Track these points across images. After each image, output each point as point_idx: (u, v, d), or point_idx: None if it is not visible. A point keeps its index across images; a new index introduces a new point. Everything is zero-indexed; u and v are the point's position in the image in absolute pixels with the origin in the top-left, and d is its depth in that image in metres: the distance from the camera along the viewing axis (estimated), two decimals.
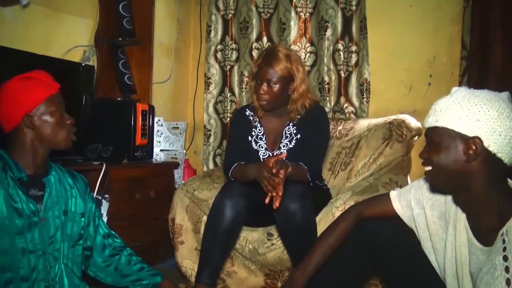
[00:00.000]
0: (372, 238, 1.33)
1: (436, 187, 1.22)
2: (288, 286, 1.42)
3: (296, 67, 1.90)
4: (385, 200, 1.39)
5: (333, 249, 1.40)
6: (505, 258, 1.00)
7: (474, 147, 1.05)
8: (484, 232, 1.09)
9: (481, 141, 1.04)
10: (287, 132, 1.97)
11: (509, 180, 1.12)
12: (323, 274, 1.41)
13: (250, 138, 2.02)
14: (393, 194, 1.38)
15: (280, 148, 1.96)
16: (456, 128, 1.07)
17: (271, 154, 1.97)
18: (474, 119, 1.05)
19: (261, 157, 1.97)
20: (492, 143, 1.04)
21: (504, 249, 1.01)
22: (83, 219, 1.39)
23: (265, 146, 1.99)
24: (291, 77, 1.89)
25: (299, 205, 1.68)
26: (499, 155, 1.04)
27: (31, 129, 1.28)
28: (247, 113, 2.06)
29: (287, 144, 1.96)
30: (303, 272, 1.40)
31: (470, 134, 1.05)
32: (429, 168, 1.15)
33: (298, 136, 1.95)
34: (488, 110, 1.04)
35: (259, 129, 2.02)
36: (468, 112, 1.05)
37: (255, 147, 2.00)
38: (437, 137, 1.11)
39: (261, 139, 2.01)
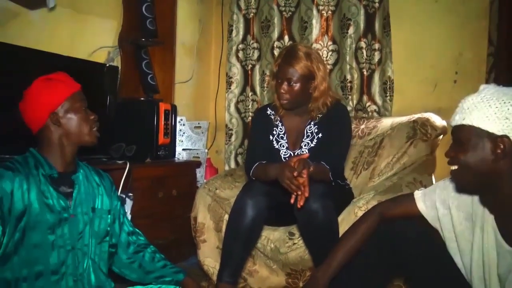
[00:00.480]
0: (396, 239, 1.31)
1: (462, 188, 1.19)
2: (309, 286, 1.42)
3: (317, 66, 1.88)
4: (409, 200, 1.37)
5: (356, 250, 1.38)
6: None
7: (502, 146, 1.02)
8: None
9: (510, 140, 1.02)
10: (309, 131, 1.96)
11: None
12: (346, 274, 1.39)
13: (271, 137, 2.01)
14: (418, 194, 1.35)
15: (301, 147, 1.95)
16: (484, 127, 1.04)
17: (292, 154, 1.96)
18: (502, 118, 1.02)
19: (282, 156, 1.97)
20: None
21: None
22: (109, 216, 1.42)
23: (287, 145, 1.98)
24: (311, 76, 1.88)
25: (320, 205, 1.67)
26: None
27: (58, 126, 1.31)
28: (268, 112, 2.05)
29: (308, 143, 1.94)
30: (325, 273, 1.39)
31: (498, 132, 1.03)
32: (455, 167, 1.12)
33: (320, 135, 1.94)
34: None
35: (280, 128, 2.01)
36: (496, 110, 1.03)
37: (277, 146, 1.99)
38: (463, 136, 1.09)
39: (282, 138, 2.00)
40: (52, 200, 1.26)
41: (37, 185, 1.24)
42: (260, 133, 2.03)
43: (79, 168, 1.39)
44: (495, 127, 1.03)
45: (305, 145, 1.95)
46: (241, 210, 1.77)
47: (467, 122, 1.07)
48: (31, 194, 1.23)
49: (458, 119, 1.10)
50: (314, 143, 1.94)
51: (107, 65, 2.41)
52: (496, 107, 1.03)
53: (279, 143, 2.00)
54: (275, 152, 1.98)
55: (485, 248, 1.13)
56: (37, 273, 1.23)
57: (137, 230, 1.55)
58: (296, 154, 1.94)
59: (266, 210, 1.79)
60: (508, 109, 1.02)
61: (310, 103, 1.93)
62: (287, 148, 1.98)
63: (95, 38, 2.47)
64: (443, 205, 1.27)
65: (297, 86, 1.86)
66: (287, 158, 1.91)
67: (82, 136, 1.35)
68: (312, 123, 1.96)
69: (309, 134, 1.96)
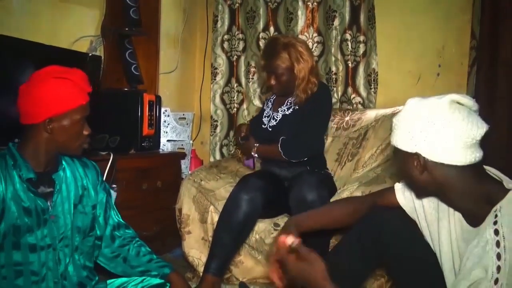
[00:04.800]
0: (378, 229, 1.33)
1: (417, 196, 1.26)
2: (287, 223, 1.45)
3: (295, 57, 1.97)
4: (391, 192, 1.39)
5: (335, 220, 1.42)
6: (496, 232, 1.01)
7: (418, 161, 1.08)
8: (478, 218, 1.09)
9: (421, 156, 1.07)
10: (289, 102, 2.08)
11: (487, 168, 1.12)
12: (329, 264, 1.41)
13: (266, 101, 2.24)
14: (398, 186, 1.38)
15: (278, 111, 2.08)
16: (400, 147, 1.11)
17: (271, 114, 2.11)
18: (409, 137, 1.08)
19: (264, 114, 2.15)
20: (432, 155, 1.06)
21: (495, 222, 1.02)
22: (93, 211, 1.39)
23: (270, 106, 2.16)
24: (293, 67, 1.97)
25: (316, 195, 1.72)
26: (447, 162, 1.05)
27: (48, 133, 1.24)
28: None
29: (284, 110, 2.07)
30: (299, 223, 1.41)
31: (411, 151, 1.08)
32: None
33: (296, 107, 2.03)
34: (419, 124, 1.06)
35: (272, 96, 2.20)
36: (404, 131, 1.10)
37: (264, 107, 2.19)
38: (394, 154, 1.18)
39: (270, 101, 2.19)
40: (30, 203, 1.21)
41: (14, 188, 1.19)
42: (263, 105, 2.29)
43: (61, 165, 1.33)
44: (407, 147, 1.09)
45: (282, 111, 2.08)
46: (236, 205, 1.81)
47: (392, 142, 1.15)
48: (8, 196, 1.18)
49: (391, 139, 1.17)
50: (289, 112, 2.05)
51: (90, 54, 2.37)
52: (405, 128, 1.09)
53: (267, 105, 2.19)
54: (262, 112, 2.18)
55: (453, 240, 1.16)
56: (18, 271, 1.20)
57: (124, 223, 1.52)
58: (273, 115, 2.09)
59: (261, 207, 1.83)
60: (412, 125, 1.08)
61: (295, 89, 2.02)
62: (270, 109, 2.15)
63: (77, 27, 2.42)
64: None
65: (283, 77, 1.98)
66: (266, 116, 2.12)
67: (68, 148, 1.29)
68: (295, 95, 2.06)
69: (288, 104, 2.07)
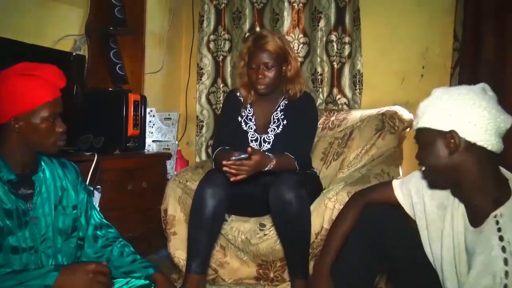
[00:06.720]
0: (379, 231, 1.35)
1: (432, 186, 1.26)
2: (313, 278, 1.44)
3: (288, 46, 1.96)
4: (387, 188, 1.41)
5: (347, 235, 1.42)
6: (501, 238, 1.04)
7: (452, 140, 1.09)
8: (478, 217, 1.12)
9: (458, 134, 1.08)
10: (275, 118, 2.01)
11: (501, 168, 1.15)
12: (338, 268, 1.42)
13: (240, 118, 2.04)
14: (396, 183, 1.40)
15: (268, 132, 1.99)
16: (433, 126, 1.12)
17: (259, 137, 2.00)
18: (446, 114, 1.10)
19: (249, 138, 2.01)
20: (468, 134, 1.08)
21: (499, 229, 1.04)
22: (74, 211, 1.37)
23: (254, 128, 2.02)
24: (285, 57, 1.93)
25: (294, 194, 1.70)
26: (479, 143, 1.08)
27: (16, 132, 1.21)
28: (238, 94, 2.08)
29: (274, 129, 2.00)
30: (324, 262, 1.41)
31: (446, 129, 1.10)
32: (423, 168, 1.20)
33: (285, 122, 1.99)
34: (458, 103, 1.09)
35: (249, 110, 2.04)
36: (440, 109, 1.11)
37: (245, 128, 2.03)
38: (420, 138, 1.17)
39: (250, 120, 2.03)
40: (11, 205, 1.19)
41: None
42: (229, 114, 2.06)
43: (40, 166, 1.31)
44: (442, 124, 1.10)
45: (271, 131, 2.00)
46: (202, 200, 1.80)
47: (420, 125, 1.16)
48: None
49: (415, 124, 1.19)
50: (279, 129, 1.99)
51: (74, 54, 2.34)
52: (441, 106, 1.11)
53: (248, 125, 2.03)
54: (243, 134, 2.01)
55: (455, 234, 1.18)
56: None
57: (107, 223, 1.50)
58: (263, 138, 1.99)
59: (227, 199, 1.81)
60: (451, 104, 1.09)
61: (285, 84, 1.97)
62: (255, 131, 2.02)
63: (61, 25, 2.38)
64: (417, 194, 1.32)
65: (273, 70, 1.89)
66: (254, 141, 1.98)
67: (42, 146, 1.26)
68: (278, 109, 2.01)
69: (276, 120, 2.01)
